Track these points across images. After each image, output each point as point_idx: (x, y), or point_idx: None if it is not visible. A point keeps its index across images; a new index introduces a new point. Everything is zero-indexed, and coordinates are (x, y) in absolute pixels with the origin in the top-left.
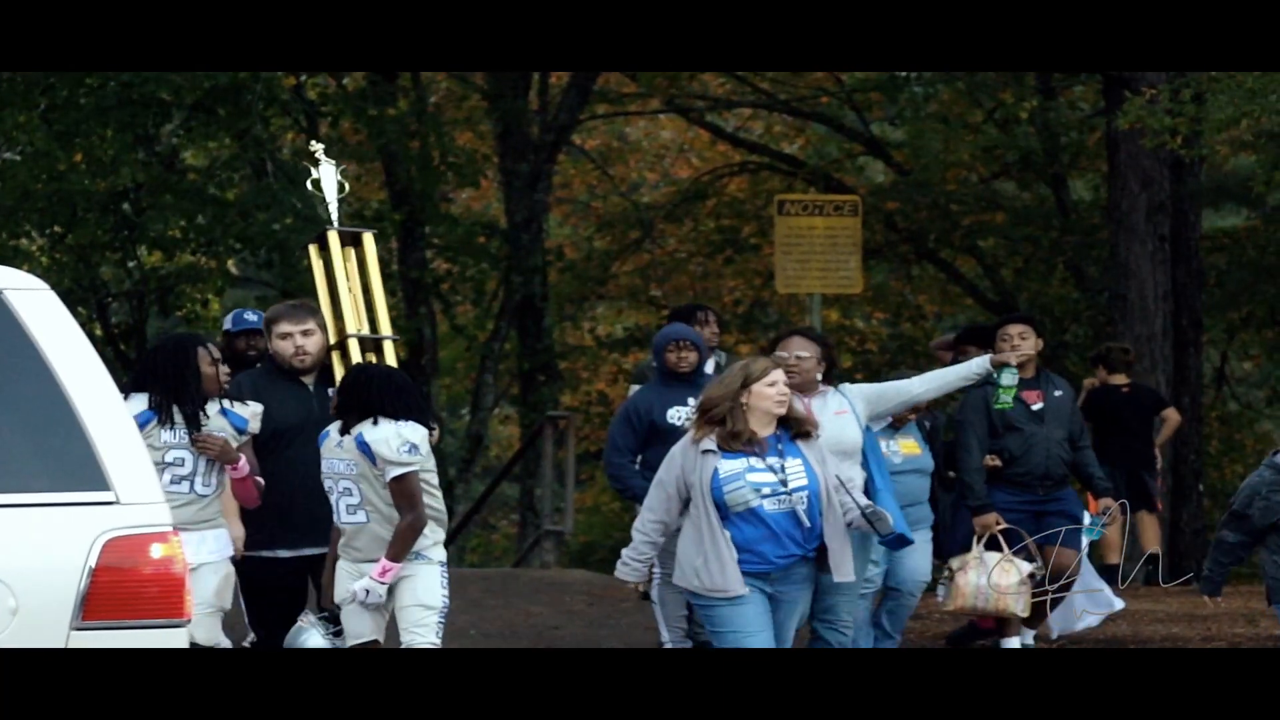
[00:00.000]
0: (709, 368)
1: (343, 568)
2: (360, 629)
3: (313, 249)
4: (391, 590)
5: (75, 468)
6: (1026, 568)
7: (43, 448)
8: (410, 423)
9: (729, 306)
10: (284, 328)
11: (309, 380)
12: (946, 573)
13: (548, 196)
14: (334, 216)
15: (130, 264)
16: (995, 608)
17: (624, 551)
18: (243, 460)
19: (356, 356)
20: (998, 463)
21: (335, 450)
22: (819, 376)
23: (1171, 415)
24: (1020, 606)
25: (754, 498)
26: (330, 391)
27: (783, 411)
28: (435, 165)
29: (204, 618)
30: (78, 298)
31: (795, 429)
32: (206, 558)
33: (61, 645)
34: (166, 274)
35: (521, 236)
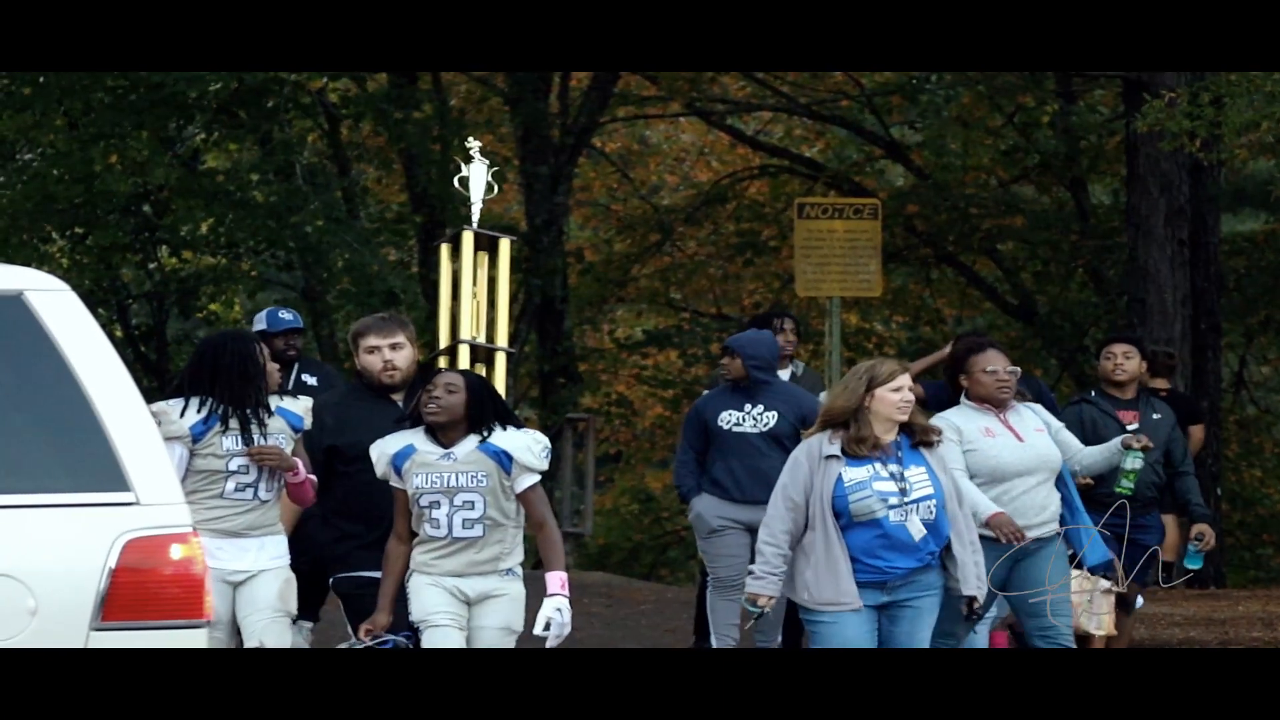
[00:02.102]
0: (784, 375)
1: (425, 580)
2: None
3: (444, 248)
4: (466, 602)
5: (95, 468)
6: (1104, 585)
7: (63, 448)
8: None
9: (748, 309)
10: (371, 341)
11: (398, 397)
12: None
13: (568, 199)
14: (475, 217)
15: (151, 266)
16: (1084, 628)
17: (754, 565)
18: (299, 464)
19: (465, 364)
20: (1089, 480)
21: (444, 464)
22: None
23: (1196, 433)
24: (1095, 625)
25: (879, 507)
26: None
27: (905, 418)
28: (456, 168)
29: (272, 623)
30: (98, 299)
31: (917, 437)
32: (267, 564)
33: (81, 646)
34: (187, 276)
35: (542, 239)
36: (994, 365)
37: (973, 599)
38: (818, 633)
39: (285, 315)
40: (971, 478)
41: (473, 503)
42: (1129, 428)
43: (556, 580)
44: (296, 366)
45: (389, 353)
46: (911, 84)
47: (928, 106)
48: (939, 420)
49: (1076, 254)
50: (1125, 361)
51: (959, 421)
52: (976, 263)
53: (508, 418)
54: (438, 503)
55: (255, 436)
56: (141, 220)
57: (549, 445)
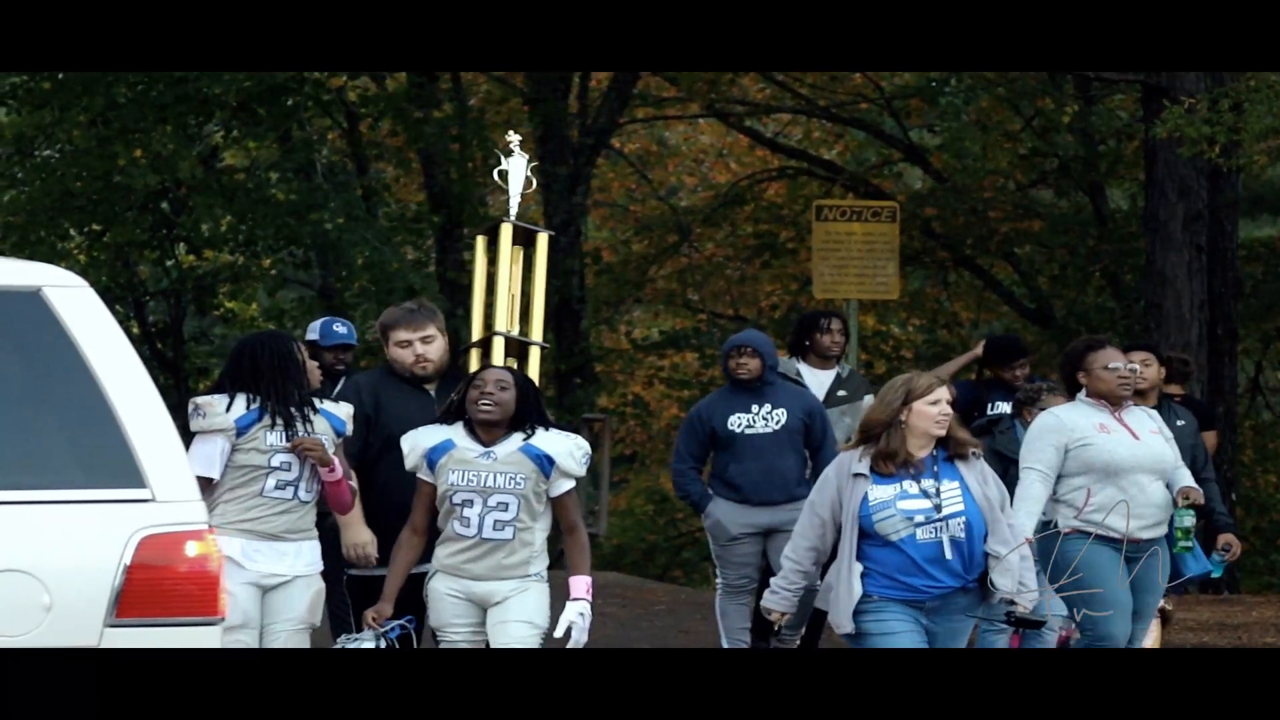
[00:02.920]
0: (827, 377)
1: (445, 588)
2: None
3: (480, 240)
4: (486, 599)
5: (111, 465)
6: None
7: (80, 445)
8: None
9: (765, 311)
10: (402, 335)
11: (431, 388)
12: None
13: (586, 199)
14: (513, 210)
15: (168, 263)
16: None
17: (773, 580)
18: (337, 462)
19: (499, 358)
20: None
21: (483, 462)
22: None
23: (1209, 439)
24: (1149, 641)
25: (905, 527)
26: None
27: (942, 433)
28: (475, 167)
29: (294, 634)
30: (115, 296)
31: (953, 450)
32: (302, 570)
33: (95, 642)
34: (204, 273)
35: (560, 239)
36: (1115, 362)
37: (1013, 602)
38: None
39: (340, 329)
40: (1084, 474)
41: (506, 504)
42: None
43: (582, 585)
44: (343, 380)
45: (420, 346)
46: (931, 87)
47: (947, 109)
48: (1048, 415)
49: (1094, 258)
50: (1144, 369)
51: (1074, 417)
52: (994, 266)
53: (546, 418)
54: (470, 501)
55: (301, 432)
56: (159, 217)
57: (589, 451)
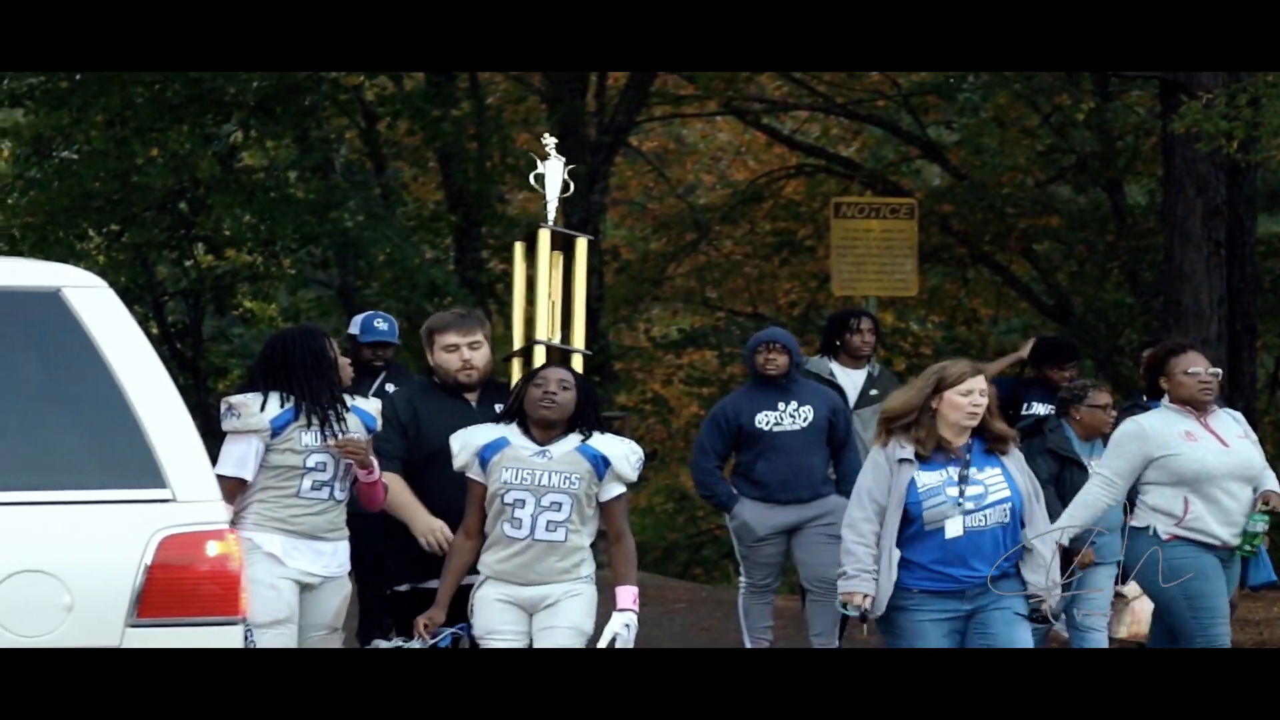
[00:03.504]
0: (858, 376)
1: (494, 593)
2: None
3: (518, 247)
4: (536, 603)
5: (132, 465)
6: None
7: (100, 445)
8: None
9: (784, 309)
10: (450, 339)
11: (472, 397)
12: (1114, 598)
13: (604, 198)
14: (551, 215)
15: (187, 263)
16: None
17: (846, 566)
18: (375, 463)
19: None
20: None
21: (538, 461)
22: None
23: None
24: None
25: (954, 512)
26: (499, 408)
27: (974, 424)
28: (493, 166)
29: (323, 641)
30: (134, 296)
31: (992, 444)
32: (335, 571)
33: (116, 642)
34: (223, 273)
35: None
36: (1196, 367)
37: (1042, 600)
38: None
39: (380, 325)
40: (1176, 484)
41: (560, 504)
42: None
43: (629, 595)
44: (383, 375)
45: (467, 351)
46: (948, 84)
47: (964, 106)
48: (1132, 423)
49: (1112, 254)
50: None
51: (1158, 426)
52: (1012, 262)
53: (602, 422)
54: (523, 501)
55: (336, 432)
56: (178, 217)
57: (643, 457)
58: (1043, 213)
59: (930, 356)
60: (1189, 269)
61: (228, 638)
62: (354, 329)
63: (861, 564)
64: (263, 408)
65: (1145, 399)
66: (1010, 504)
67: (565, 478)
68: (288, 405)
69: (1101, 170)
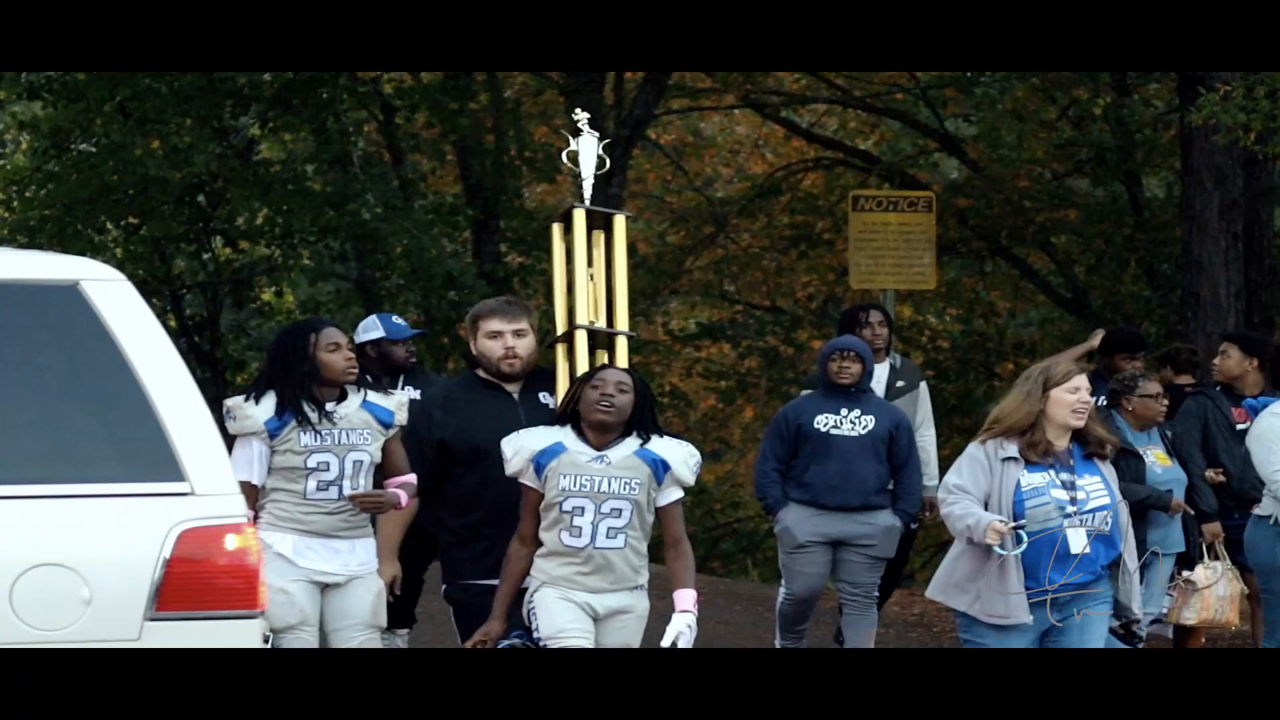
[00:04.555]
0: (881, 371)
1: (555, 596)
2: None
3: (556, 228)
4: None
5: (150, 459)
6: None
7: (118, 438)
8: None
9: (802, 302)
10: (495, 325)
11: (513, 389)
12: (1182, 584)
13: (622, 191)
14: (587, 194)
15: (205, 256)
16: (1224, 619)
17: (967, 519)
18: (404, 497)
19: (583, 351)
20: (1222, 478)
21: (596, 466)
22: None
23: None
24: (1235, 617)
25: (1056, 515)
26: (544, 397)
27: (1080, 423)
28: (511, 159)
29: (365, 642)
30: (152, 290)
31: (1091, 447)
32: (357, 570)
33: (135, 636)
34: (241, 266)
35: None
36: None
37: (1135, 620)
38: (977, 646)
39: (399, 321)
40: None
41: (620, 510)
42: (1238, 427)
43: (689, 598)
44: (403, 376)
45: (512, 339)
46: (966, 77)
47: (982, 99)
48: (1272, 416)
49: (1130, 247)
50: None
51: None
52: (1030, 256)
53: (659, 425)
54: (582, 508)
55: (333, 433)
56: (195, 210)
57: (700, 460)
58: (1060, 206)
59: (947, 350)
60: (1207, 262)
61: (246, 631)
62: (375, 331)
63: (964, 508)
64: (257, 407)
65: (1217, 387)
66: (1109, 512)
67: (625, 483)
68: (276, 405)
69: (1119, 163)
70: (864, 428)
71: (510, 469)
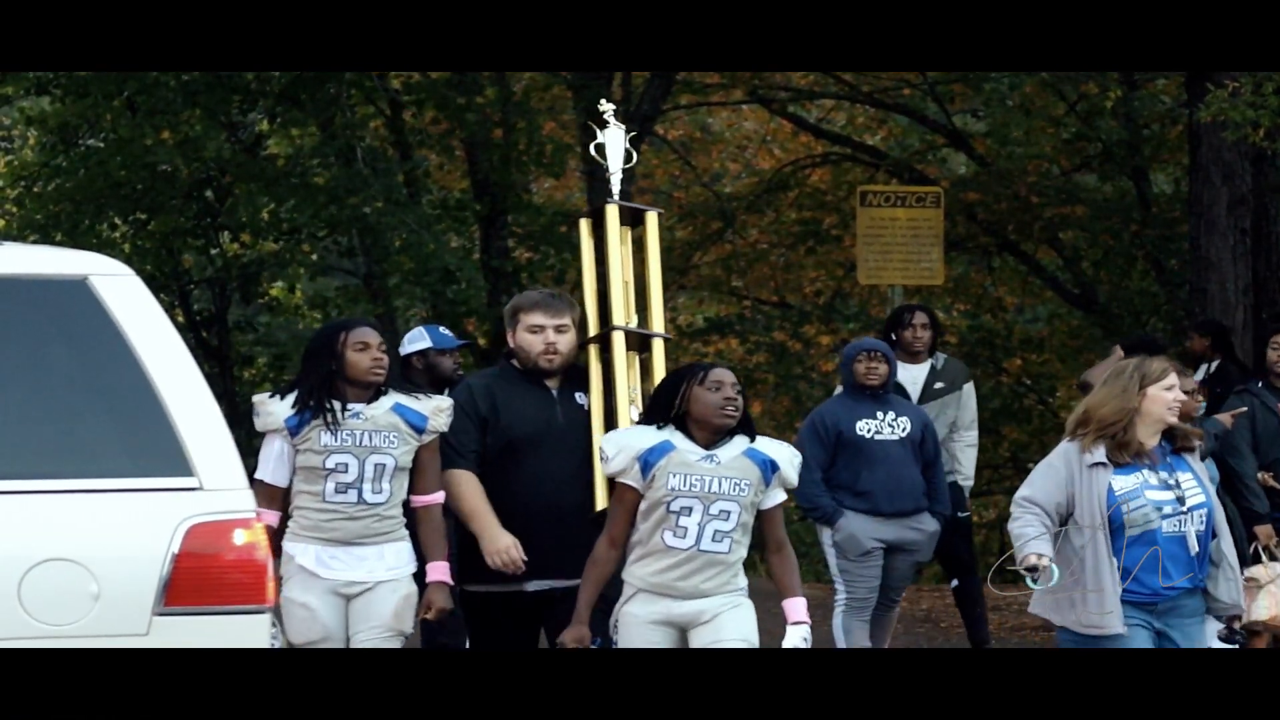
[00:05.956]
0: (920, 372)
1: (645, 612)
2: None
3: (584, 225)
4: (692, 620)
5: (159, 453)
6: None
7: (127, 433)
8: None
9: (810, 297)
10: (536, 319)
11: (552, 384)
12: (1245, 584)
13: (630, 186)
14: (615, 189)
15: (213, 251)
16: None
17: (1028, 543)
18: (446, 604)
19: (620, 353)
20: (1275, 482)
21: (706, 466)
22: None
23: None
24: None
25: (1155, 517)
26: (579, 397)
27: (1175, 419)
28: (520, 155)
29: (381, 642)
30: (160, 285)
31: (1179, 442)
32: (384, 575)
33: (143, 631)
34: (248, 261)
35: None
36: None
37: (1238, 617)
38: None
39: (446, 332)
40: None
41: (729, 513)
42: None
43: (801, 607)
44: (448, 390)
45: (553, 334)
46: (974, 73)
47: (991, 95)
48: None
49: (1138, 243)
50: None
51: None
52: (1038, 251)
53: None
54: (690, 509)
55: (354, 433)
56: (203, 206)
57: (802, 460)
58: (1068, 201)
59: (954, 346)
60: (1215, 257)
61: (255, 626)
62: (422, 342)
63: (1035, 529)
64: (279, 404)
65: (1260, 384)
66: (1206, 510)
67: (735, 484)
68: (298, 403)
69: (1127, 159)
70: (902, 430)
71: (611, 468)
